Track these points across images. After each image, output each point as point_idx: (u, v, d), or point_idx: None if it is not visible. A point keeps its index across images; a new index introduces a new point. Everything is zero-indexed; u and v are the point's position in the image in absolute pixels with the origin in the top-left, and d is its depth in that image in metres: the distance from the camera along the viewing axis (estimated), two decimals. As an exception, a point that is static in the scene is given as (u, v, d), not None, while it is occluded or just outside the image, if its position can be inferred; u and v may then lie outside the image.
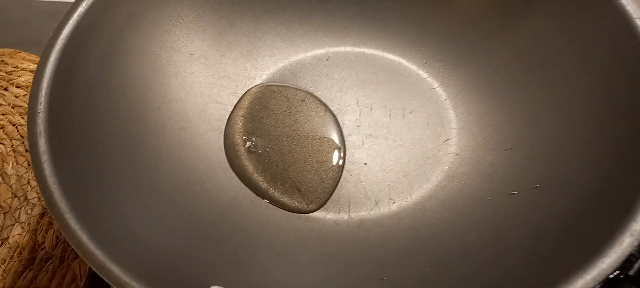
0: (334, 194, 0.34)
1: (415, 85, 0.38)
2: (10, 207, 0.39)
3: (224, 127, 0.36)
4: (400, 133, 0.36)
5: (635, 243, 0.21)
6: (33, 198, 0.39)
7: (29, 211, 0.39)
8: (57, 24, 0.28)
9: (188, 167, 0.32)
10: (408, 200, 0.33)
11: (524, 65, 0.33)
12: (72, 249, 0.36)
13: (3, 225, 0.38)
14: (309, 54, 0.39)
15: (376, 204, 0.33)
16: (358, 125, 0.36)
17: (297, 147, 0.35)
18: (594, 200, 0.25)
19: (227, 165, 0.34)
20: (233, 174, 0.34)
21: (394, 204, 0.33)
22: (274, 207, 0.33)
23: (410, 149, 0.35)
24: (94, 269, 0.22)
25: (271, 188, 0.34)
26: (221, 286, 0.24)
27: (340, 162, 0.35)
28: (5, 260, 0.36)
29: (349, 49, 0.40)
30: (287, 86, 0.38)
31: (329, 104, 0.37)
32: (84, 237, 0.23)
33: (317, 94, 0.38)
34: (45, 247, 0.37)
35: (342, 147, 0.35)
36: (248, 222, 0.32)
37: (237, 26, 0.37)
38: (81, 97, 0.28)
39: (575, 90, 0.30)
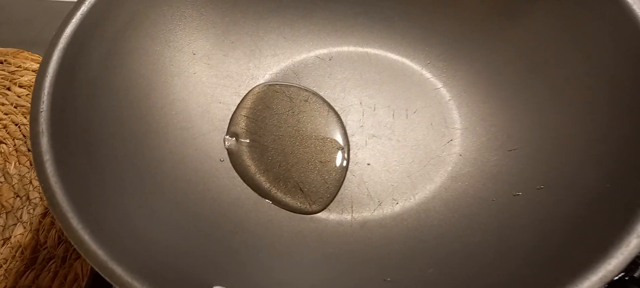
0: (337, 195, 0.34)
1: (419, 86, 0.38)
2: (12, 207, 0.39)
3: (226, 127, 0.36)
4: (404, 133, 0.36)
5: (642, 244, 0.21)
6: (35, 198, 0.39)
7: (31, 211, 0.38)
8: (59, 23, 0.28)
9: (190, 167, 0.32)
10: (411, 200, 0.33)
11: (527, 65, 0.33)
12: (74, 249, 0.36)
13: (5, 225, 0.38)
14: (312, 54, 0.39)
15: (379, 205, 0.33)
16: (361, 126, 0.36)
17: (300, 147, 0.35)
18: (599, 201, 0.25)
19: (230, 165, 0.34)
20: (236, 174, 0.34)
21: (397, 205, 0.33)
22: (276, 207, 0.33)
23: (413, 150, 0.35)
24: (96, 269, 0.22)
25: (274, 189, 0.34)
26: (224, 286, 0.24)
27: (345, 164, 0.35)
28: (7, 260, 0.36)
29: (352, 48, 0.39)
30: (290, 85, 0.38)
31: (332, 104, 0.37)
32: (86, 236, 0.22)
33: (320, 94, 0.38)
34: (47, 247, 0.37)
35: (346, 147, 0.35)
36: (251, 222, 0.31)
37: (240, 25, 0.37)
38: (84, 96, 0.28)
39: (579, 89, 0.30)
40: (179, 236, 0.28)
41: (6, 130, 0.43)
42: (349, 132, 0.36)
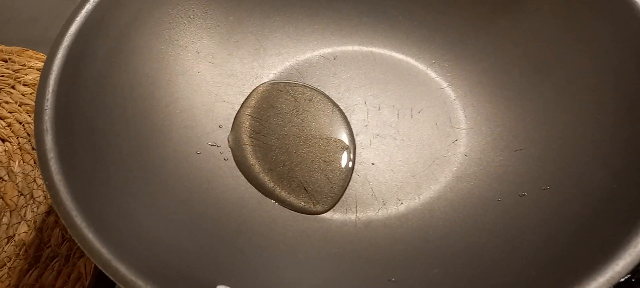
0: (342, 196, 0.33)
1: (424, 85, 0.37)
2: (16, 205, 0.39)
3: (230, 125, 0.36)
4: (409, 133, 0.36)
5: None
6: (39, 197, 0.39)
7: (35, 209, 0.39)
8: (64, 22, 0.28)
9: (194, 166, 0.32)
10: (416, 201, 0.33)
11: (533, 65, 0.33)
12: (78, 247, 0.36)
13: (9, 223, 0.38)
14: (316, 53, 0.39)
15: (384, 205, 0.33)
16: (366, 125, 0.36)
17: (304, 146, 0.35)
18: (605, 201, 0.25)
19: (234, 163, 0.34)
20: (239, 173, 0.34)
21: (402, 205, 0.33)
22: (280, 206, 0.33)
23: (418, 149, 0.35)
24: (100, 267, 0.22)
25: (278, 188, 0.34)
26: (227, 285, 0.24)
27: (350, 165, 0.34)
28: (10, 258, 0.36)
29: (356, 48, 0.39)
30: (294, 84, 0.38)
31: (336, 103, 0.37)
32: (89, 234, 0.22)
33: (325, 93, 0.38)
34: (51, 245, 0.37)
35: (352, 147, 0.35)
36: (255, 221, 0.31)
37: (244, 24, 0.37)
38: (88, 95, 0.28)
39: (585, 89, 0.30)
40: (183, 234, 0.27)
41: (10, 129, 0.43)
42: (353, 131, 0.36)
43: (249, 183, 0.34)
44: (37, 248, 0.37)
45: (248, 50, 0.38)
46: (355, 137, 0.36)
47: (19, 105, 0.44)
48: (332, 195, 0.33)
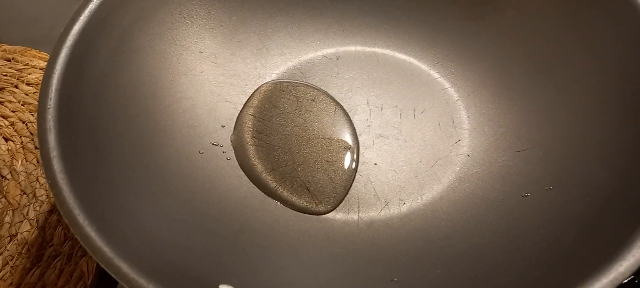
0: (345, 196, 0.33)
1: (427, 86, 0.37)
2: (19, 204, 0.39)
3: (233, 125, 0.36)
4: (411, 133, 0.36)
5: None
6: (41, 195, 0.39)
7: (38, 208, 0.39)
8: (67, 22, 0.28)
9: (197, 165, 0.32)
10: (418, 201, 0.33)
11: (536, 65, 0.33)
12: (80, 246, 0.36)
13: (12, 222, 0.38)
14: (319, 53, 0.39)
15: (386, 205, 0.33)
16: (368, 125, 0.36)
17: (307, 146, 0.35)
18: (609, 201, 0.24)
19: (236, 163, 0.34)
20: (242, 173, 0.34)
21: (404, 205, 0.33)
22: (283, 206, 0.33)
23: (421, 150, 0.35)
24: (102, 265, 0.22)
25: (280, 188, 0.34)
26: (229, 284, 0.24)
27: (353, 165, 0.34)
28: (13, 257, 0.36)
29: (359, 48, 0.39)
30: (297, 83, 0.38)
31: (339, 103, 0.37)
32: (92, 233, 0.22)
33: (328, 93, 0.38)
34: (53, 244, 0.37)
35: (355, 147, 0.35)
36: (257, 221, 0.31)
37: (247, 24, 0.37)
38: (91, 94, 0.28)
39: (588, 89, 0.30)
40: (185, 234, 0.27)
41: (13, 128, 0.43)
42: (356, 131, 0.36)
43: (251, 183, 0.34)
44: (39, 247, 0.37)
45: (251, 50, 0.38)
46: (358, 137, 0.36)
47: (22, 105, 0.44)
48: (335, 195, 0.33)
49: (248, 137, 0.35)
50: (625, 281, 0.20)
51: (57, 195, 0.23)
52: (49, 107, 0.26)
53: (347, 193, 0.33)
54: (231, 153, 0.35)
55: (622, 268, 0.20)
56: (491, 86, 0.35)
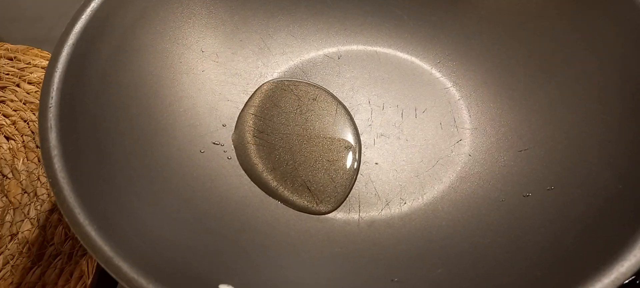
0: (347, 196, 0.33)
1: (428, 85, 0.37)
2: (19, 203, 0.39)
3: (234, 124, 0.36)
4: (413, 133, 0.35)
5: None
6: (42, 195, 0.39)
7: (39, 207, 0.39)
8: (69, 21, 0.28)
9: (198, 164, 0.32)
10: (419, 200, 0.33)
11: (538, 65, 0.33)
12: (81, 246, 0.36)
13: (12, 221, 0.38)
14: (320, 52, 0.39)
15: (387, 204, 0.33)
16: (370, 125, 0.36)
17: (308, 145, 0.35)
18: (611, 202, 0.24)
19: (237, 162, 0.34)
20: (243, 172, 0.34)
21: (405, 205, 0.33)
22: (284, 206, 0.33)
23: (422, 149, 0.35)
24: (102, 265, 0.22)
25: (281, 187, 0.33)
26: (230, 283, 0.24)
27: (355, 165, 0.34)
28: (14, 256, 0.36)
29: (361, 47, 0.39)
30: (298, 82, 0.38)
31: (341, 102, 0.37)
32: (92, 232, 0.22)
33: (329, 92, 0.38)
34: (54, 243, 0.37)
35: (357, 147, 0.35)
36: (258, 220, 0.31)
37: (249, 23, 0.37)
38: (93, 93, 0.28)
39: (590, 89, 0.30)
40: (186, 233, 0.27)
41: (15, 127, 0.43)
42: (358, 131, 0.36)
43: (252, 182, 0.34)
44: (40, 246, 0.37)
45: (252, 49, 0.38)
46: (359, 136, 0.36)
47: (24, 104, 0.44)
48: (336, 195, 0.33)
49: (249, 136, 0.35)
50: (627, 281, 0.20)
51: (57, 193, 0.23)
52: (51, 105, 0.26)
53: (348, 194, 0.33)
54: (232, 153, 0.35)
55: (623, 268, 0.20)
56: (493, 86, 0.35)
